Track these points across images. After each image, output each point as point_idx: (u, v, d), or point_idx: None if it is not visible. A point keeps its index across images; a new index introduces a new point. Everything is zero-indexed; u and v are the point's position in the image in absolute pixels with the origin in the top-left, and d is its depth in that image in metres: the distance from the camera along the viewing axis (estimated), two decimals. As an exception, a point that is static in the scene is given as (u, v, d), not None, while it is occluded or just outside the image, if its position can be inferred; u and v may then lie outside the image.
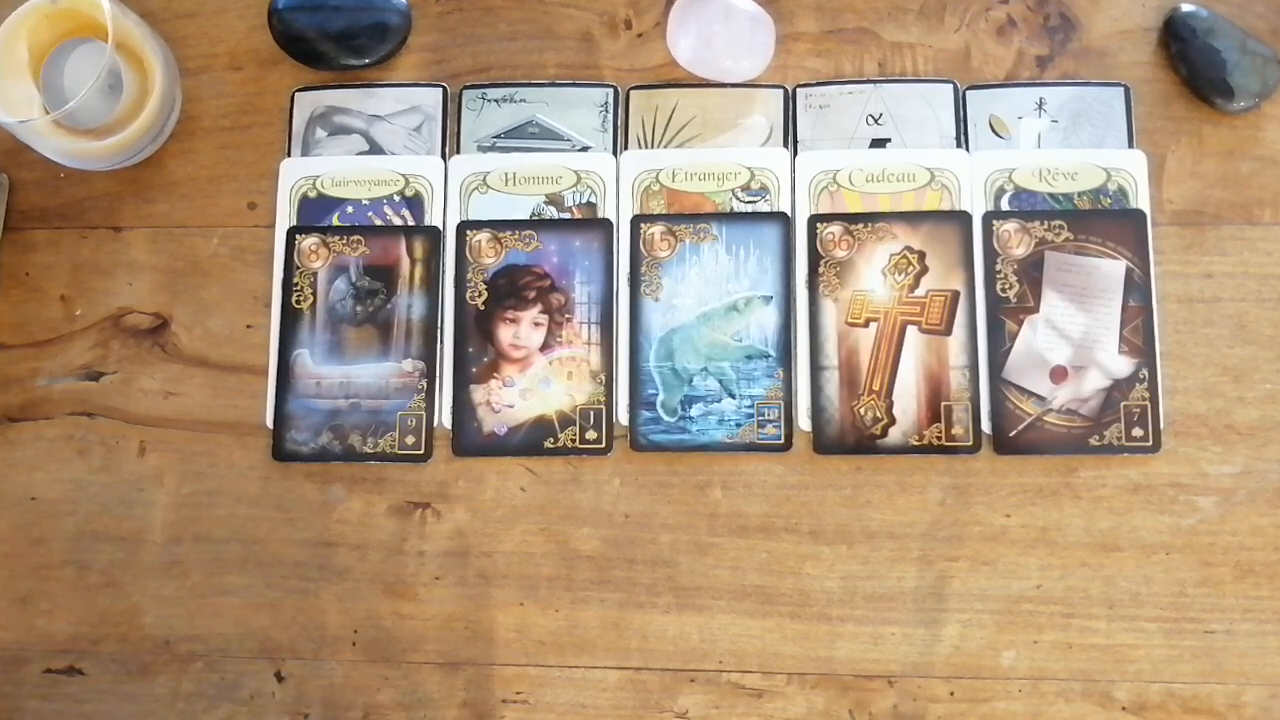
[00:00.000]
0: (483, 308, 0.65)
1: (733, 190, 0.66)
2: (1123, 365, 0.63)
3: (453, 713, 0.62)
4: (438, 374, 0.65)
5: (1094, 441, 0.62)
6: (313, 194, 0.67)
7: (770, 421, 0.63)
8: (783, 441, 0.63)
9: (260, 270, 0.67)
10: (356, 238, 0.66)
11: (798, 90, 0.67)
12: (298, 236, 0.67)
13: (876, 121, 0.67)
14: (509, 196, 0.67)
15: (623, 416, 0.64)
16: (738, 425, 0.63)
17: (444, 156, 0.68)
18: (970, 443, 0.62)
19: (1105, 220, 0.64)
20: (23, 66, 0.64)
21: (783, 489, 0.63)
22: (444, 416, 0.64)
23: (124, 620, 0.64)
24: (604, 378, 0.64)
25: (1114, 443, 0.62)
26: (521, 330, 0.65)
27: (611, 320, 0.65)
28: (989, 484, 0.62)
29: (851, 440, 0.63)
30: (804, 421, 0.63)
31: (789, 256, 0.65)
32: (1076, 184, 0.65)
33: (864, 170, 0.66)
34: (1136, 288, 0.63)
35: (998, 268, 0.64)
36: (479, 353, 0.65)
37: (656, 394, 0.64)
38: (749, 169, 0.66)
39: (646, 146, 0.67)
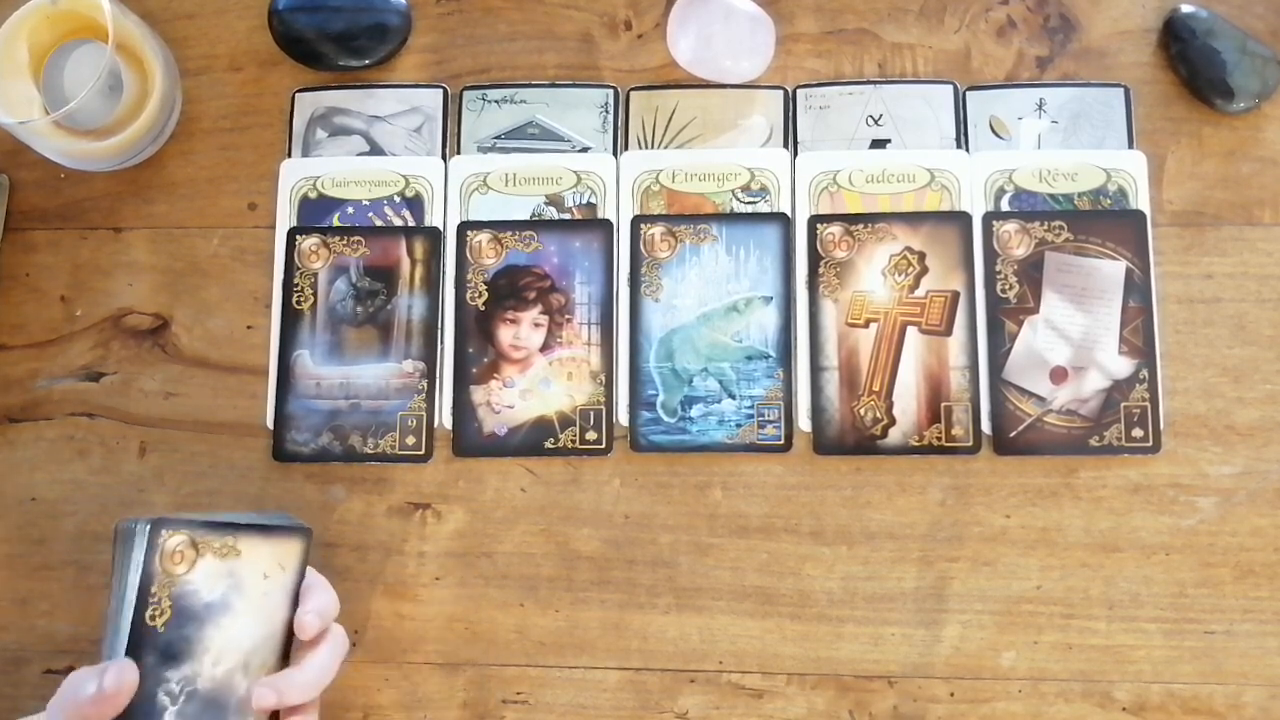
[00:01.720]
0: (483, 308, 0.65)
1: (733, 191, 0.66)
2: (1123, 366, 0.63)
3: (453, 713, 0.62)
4: (438, 374, 0.65)
5: (1094, 442, 0.62)
6: (313, 194, 0.67)
7: (770, 422, 0.63)
8: (783, 442, 0.63)
9: (260, 271, 0.67)
10: (357, 238, 0.66)
11: (798, 91, 0.67)
12: (298, 237, 0.67)
13: (876, 122, 0.67)
14: (509, 197, 0.67)
15: (623, 417, 0.64)
16: (738, 426, 0.63)
17: (444, 157, 0.68)
18: (970, 443, 0.62)
19: (1105, 221, 0.64)
20: (23, 67, 0.64)
21: (783, 489, 0.63)
22: (444, 417, 0.64)
23: (124, 621, 0.64)
24: (604, 378, 0.64)
25: (1114, 443, 0.62)
26: (522, 331, 0.65)
27: (612, 321, 0.65)
28: (989, 484, 0.62)
29: (851, 441, 0.63)
30: (804, 422, 0.63)
31: (789, 257, 0.65)
32: (1076, 185, 0.65)
33: (864, 171, 0.66)
34: (1136, 288, 0.63)
35: (998, 268, 0.64)
36: (479, 353, 0.65)
37: (656, 394, 0.64)
38: (749, 170, 0.66)
39: (646, 147, 0.67)
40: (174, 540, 0.50)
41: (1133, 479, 0.62)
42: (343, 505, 0.64)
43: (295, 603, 0.54)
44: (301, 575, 0.54)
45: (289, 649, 0.54)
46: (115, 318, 0.67)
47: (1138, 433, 0.62)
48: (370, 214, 0.67)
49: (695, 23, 0.66)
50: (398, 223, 0.67)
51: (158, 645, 0.50)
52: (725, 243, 0.65)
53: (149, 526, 0.49)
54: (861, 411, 0.63)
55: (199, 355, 0.66)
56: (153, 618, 0.50)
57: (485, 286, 0.65)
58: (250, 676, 0.52)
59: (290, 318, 0.66)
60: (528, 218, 0.66)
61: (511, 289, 0.65)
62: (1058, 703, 0.60)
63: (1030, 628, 0.61)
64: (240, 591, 0.52)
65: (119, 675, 0.49)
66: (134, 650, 0.50)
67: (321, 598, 0.54)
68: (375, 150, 0.68)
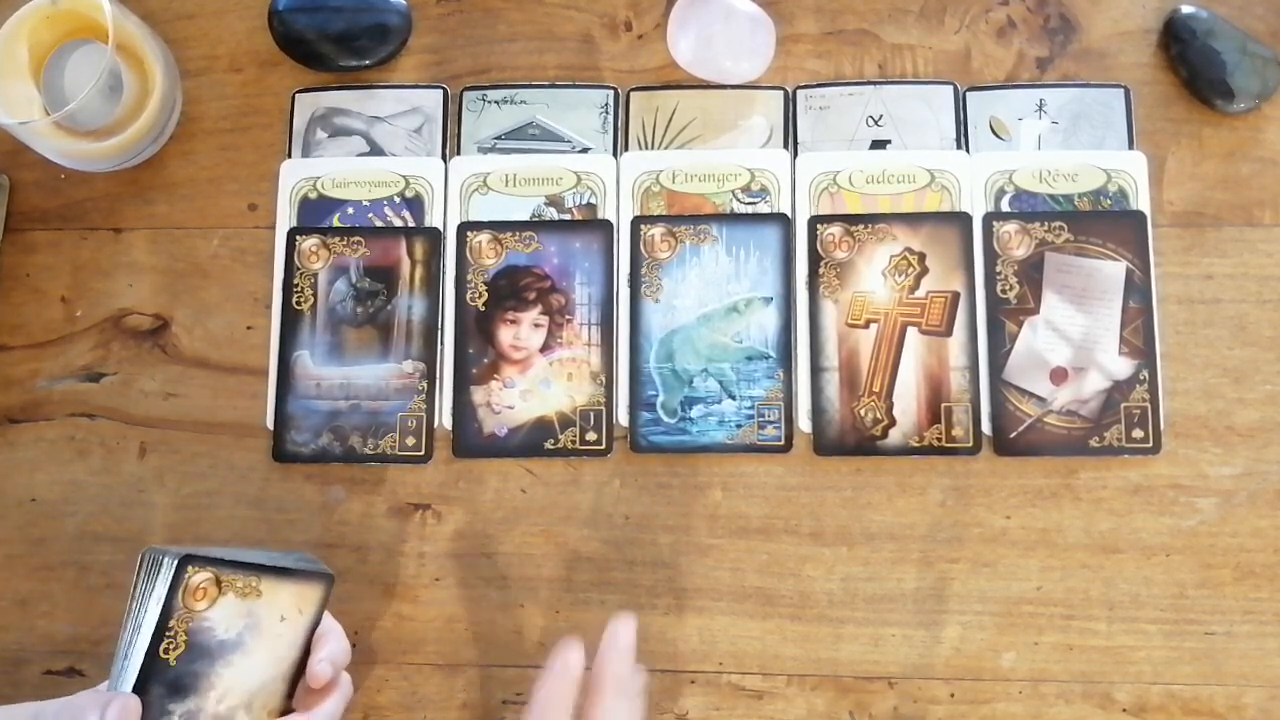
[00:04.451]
0: (483, 309, 0.65)
1: (733, 191, 0.66)
2: (1123, 366, 0.63)
3: (453, 714, 0.62)
4: (438, 375, 0.65)
5: (1094, 443, 0.62)
6: (313, 195, 0.67)
7: (770, 423, 0.63)
8: (783, 443, 0.63)
9: (261, 271, 0.67)
10: (357, 239, 0.66)
11: (798, 91, 0.67)
12: (298, 237, 0.67)
13: (877, 123, 0.67)
14: (509, 198, 0.67)
15: (623, 418, 0.64)
16: (738, 426, 0.63)
17: (444, 158, 0.68)
18: (970, 444, 0.62)
19: (1105, 222, 0.64)
20: (23, 68, 0.64)
21: (783, 490, 0.63)
22: (444, 418, 0.64)
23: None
24: (604, 379, 0.64)
25: (1114, 444, 0.62)
26: (522, 331, 0.65)
27: (612, 321, 0.65)
28: (989, 485, 0.62)
29: (852, 441, 0.63)
30: (804, 423, 0.63)
31: (789, 258, 0.65)
32: (1077, 185, 0.65)
33: (864, 171, 0.66)
34: (1137, 289, 0.63)
35: (998, 269, 0.64)
36: (479, 354, 0.65)
37: (657, 395, 0.64)
38: (749, 170, 0.66)
39: (647, 148, 0.67)
40: (199, 577, 0.50)
41: (1133, 480, 0.62)
42: (343, 506, 0.64)
43: (307, 646, 0.53)
44: (318, 619, 0.54)
45: (294, 689, 0.54)
46: (115, 318, 0.67)
47: (1138, 433, 0.62)
48: (370, 214, 0.67)
49: (695, 23, 0.66)
50: (398, 223, 0.67)
51: (166, 678, 0.50)
52: (725, 243, 0.65)
53: (176, 561, 0.49)
54: (862, 412, 0.63)
55: (199, 356, 0.66)
56: (166, 650, 0.49)
57: (485, 287, 0.66)
58: (253, 715, 0.52)
59: (290, 318, 0.66)
60: (528, 218, 0.66)
61: (511, 289, 0.65)
62: (1058, 704, 0.60)
63: (1030, 629, 0.61)
64: (256, 631, 0.51)
65: (122, 712, 0.48)
66: (142, 682, 0.49)
67: (334, 645, 0.54)
68: (375, 151, 0.68)
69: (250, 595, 0.51)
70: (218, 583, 0.50)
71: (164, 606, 0.49)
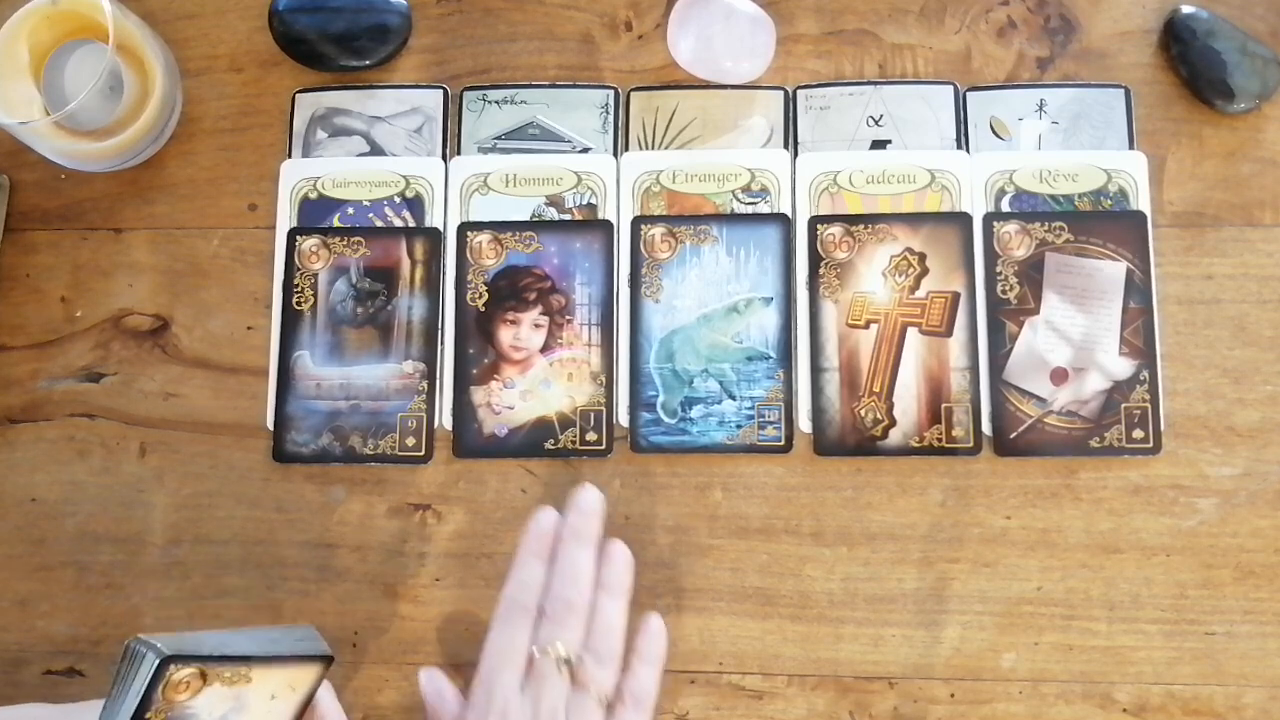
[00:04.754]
0: (483, 309, 0.65)
1: (733, 191, 0.66)
2: (1123, 367, 0.63)
3: (453, 714, 0.62)
4: (438, 375, 0.65)
5: (1094, 443, 0.62)
6: (313, 195, 0.67)
7: (771, 423, 0.63)
8: (783, 443, 0.63)
9: (261, 272, 0.67)
10: (357, 239, 0.66)
11: (798, 91, 0.67)
12: (298, 238, 0.67)
13: (877, 123, 0.67)
14: (509, 198, 0.67)
15: (623, 418, 0.64)
16: (738, 427, 0.63)
17: (444, 158, 0.68)
18: (971, 444, 0.62)
19: (1106, 222, 0.64)
20: (23, 68, 0.64)
21: (783, 490, 0.63)
22: (444, 418, 0.64)
23: (124, 622, 0.64)
24: (604, 379, 0.64)
25: (1114, 444, 0.62)
26: (522, 332, 0.65)
27: (612, 322, 0.65)
28: (989, 486, 0.62)
29: (852, 442, 0.63)
30: (804, 423, 0.63)
31: (789, 258, 0.65)
32: (1077, 185, 0.65)
33: (864, 172, 0.66)
34: (1137, 289, 0.63)
35: (998, 269, 0.64)
36: (479, 354, 0.65)
37: (657, 395, 0.64)
38: (749, 170, 0.66)
39: (647, 148, 0.67)
40: (181, 673, 0.46)
41: (1133, 480, 0.62)
42: (343, 506, 0.64)
43: (300, 718, 0.51)
44: (313, 694, 0.51)
45: None
46: (115, 318, 0.67)
47: (1138, 434, 0.62)
48: (370, 215, 0.67)
49: (695, 23, 0.66)
50: (398, 223, 0.67)
51: None
52: (725, 243, 0.65)
53: (158, 663, 0.45)
54: (862, 412, 0.63)
55: (199, 356, 0.66)
56: None
57: (485, 287, 0.65)
58: None
59: (290, 318, 0.66)
60: (528, 218, 0.66)
61: (512, 290, 0.65)
62: (1058, 704, 0.60)
63: (1031, 629, 0.61)
64: (242, 711, 0.49)
65: None
66: None
67: None
68: (375, 151, 0.68)
69: (239, 682, 0.48)
70: (202, 675, 0.47)
71: (141, 700, 0.46)
